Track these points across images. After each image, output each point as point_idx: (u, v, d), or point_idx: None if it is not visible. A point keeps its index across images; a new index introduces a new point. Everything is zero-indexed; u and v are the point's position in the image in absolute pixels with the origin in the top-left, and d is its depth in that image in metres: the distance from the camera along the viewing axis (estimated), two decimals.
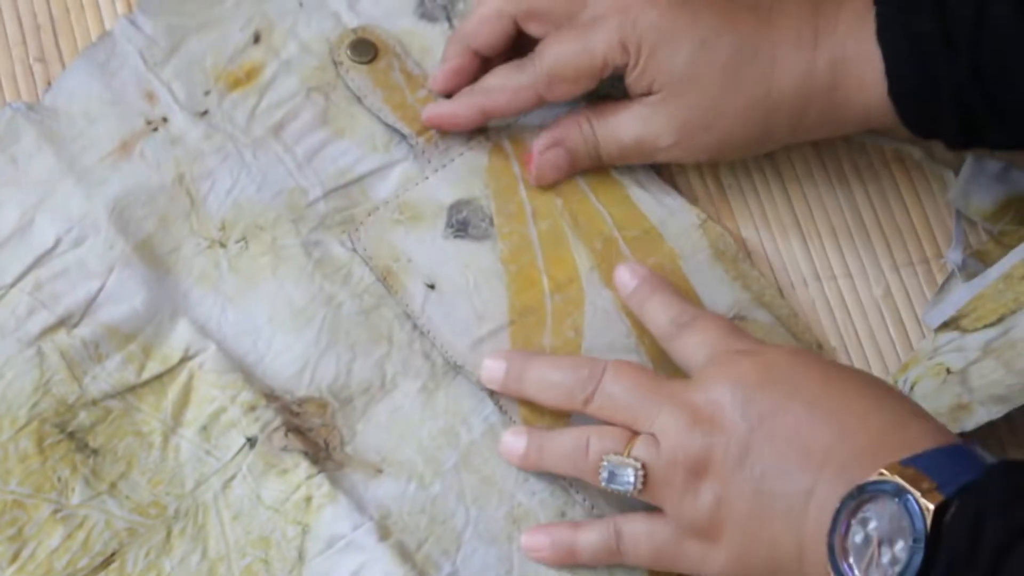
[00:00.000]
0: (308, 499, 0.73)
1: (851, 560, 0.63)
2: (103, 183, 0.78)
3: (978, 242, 0.81)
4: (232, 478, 0.73)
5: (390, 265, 0.79)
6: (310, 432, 0.75)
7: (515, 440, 0.74)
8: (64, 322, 0.75)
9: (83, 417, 0.74)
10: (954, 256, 0.80)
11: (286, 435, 0.74)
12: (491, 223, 0.80)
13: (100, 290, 0.76)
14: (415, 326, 0.77)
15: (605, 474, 0.70)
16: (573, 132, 0.80)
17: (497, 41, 0.81)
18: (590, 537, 0.72)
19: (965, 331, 0.77)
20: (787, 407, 0.67)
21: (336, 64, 0.83)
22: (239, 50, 0.82)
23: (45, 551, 0.71)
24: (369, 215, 0.80)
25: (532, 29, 0.81)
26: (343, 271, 0.78)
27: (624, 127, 0.79)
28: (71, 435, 0.73)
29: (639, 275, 0.77)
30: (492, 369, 0.76)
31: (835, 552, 0.63)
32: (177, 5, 0.83)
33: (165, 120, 0.80)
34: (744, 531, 0.67)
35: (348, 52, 0.83)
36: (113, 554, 0.72)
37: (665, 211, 0.81)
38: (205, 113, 0.81)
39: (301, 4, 0.84)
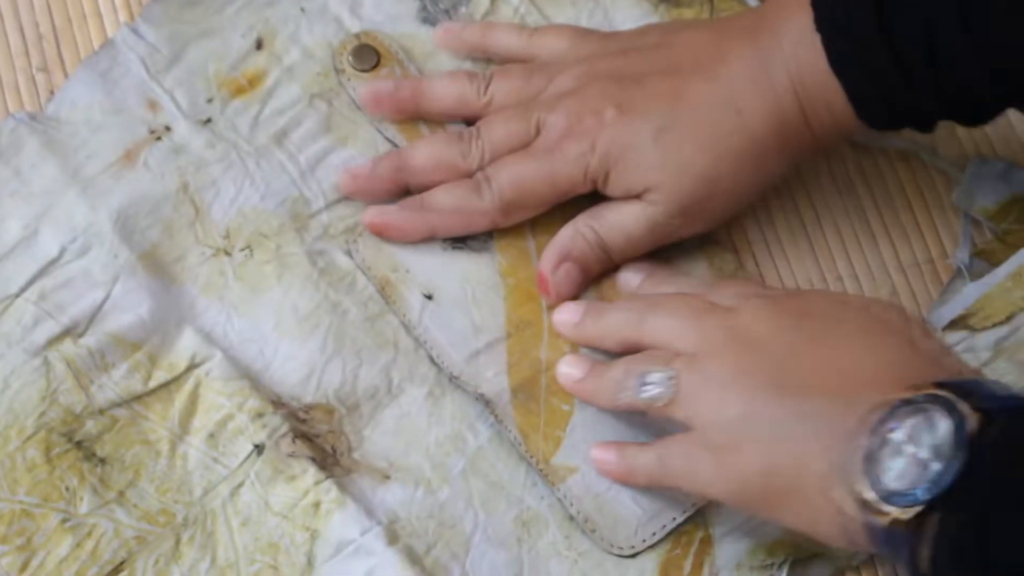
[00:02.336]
0: (316, 505, 0.73)
1: (886, 465, 0.62)
2: (107, 193, 0.78)
3: (983, 241, 0.81)
4: (240, 485, 0.73)
5: (388, 275, 0.79)
6: (317, 438, 0.75)
7: (573, 370, 0.76)
8: (70, 332, 0.75)
9: (90, 426, 0.74)
10: (961, 255, 0.80)
11: (293, 441, 0.74)
12: (490, 235, 0.80)
13: (105, 299, 0.76)
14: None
15: (639, 385, 0.72)
16: (578, 242, 0.78)
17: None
18: (644, 459, 0.73)
19: (974, 330, 0.77)
20: (828, 337, 0.69)
21: (338, 72, 0.83)
22: (241, 57, 0.82)
23: (54, 561, 0.71)
24: None
25: None
26: (348, 279, 0.78)
27: (627, 222, 0.78)
28: (78, 444, 0.73)
29: (645, 268, 0.78)
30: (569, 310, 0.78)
31: (870, 458, 0.63)
32: (179, 13, 0.83)
33: (168, 129, 0.80)
34: (768, 446, 0.67)
35: (350, 59, 0.83)
36: (122, 563, 0.72)
37: None
38: (208, 121, 0.81)
39: (303, 10, 0.84)
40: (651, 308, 0.74)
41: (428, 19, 0.85)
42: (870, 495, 0.62)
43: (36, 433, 0.73)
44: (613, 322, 0.76)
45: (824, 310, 0.71)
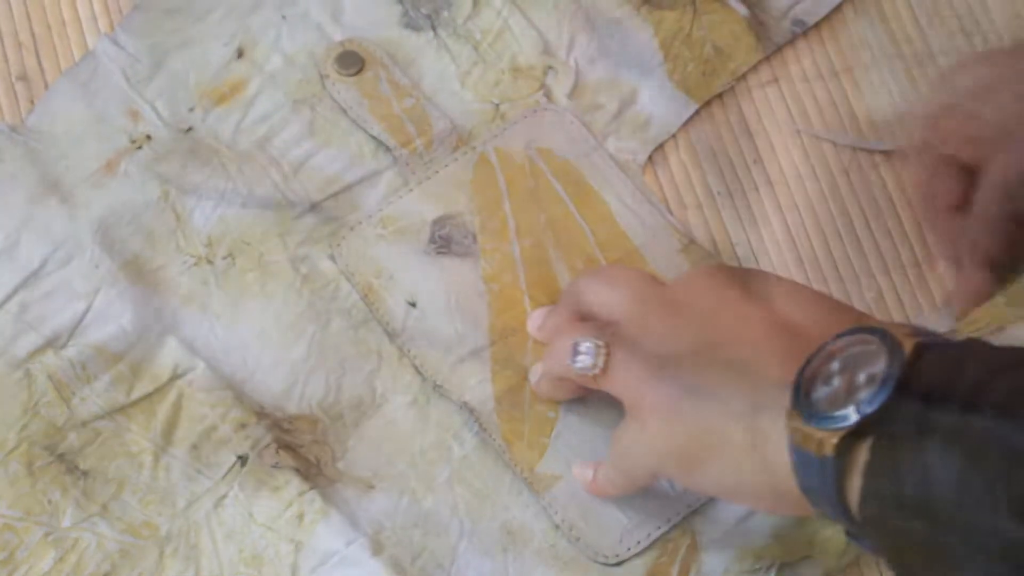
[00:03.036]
0: (300, 516, 0.72)
1: (816, 393, 0.61)
2: (87, 203, 0.78)
3: None
4: (224, 496, 0.73)
5: (371, 282, 0.78)
6: (301, 449, 0.74)
7: (533, 376, 0.77)
8: (51, 343, 0.75)
9: (73, 439, 0.74)
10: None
11: (277, 452, 0.73)
12: (474, 240, 0.79)
13: (87, 310, 0.76)
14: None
15: (572, 354, 0.71)
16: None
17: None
18: (603, 469, 0.74)
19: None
20: (758, 294, 0.69)
21: (323, 78, 0.82)
22: (222, 66, 0.82)
23: (37, 574, 0.71)
24: (352, 229, 0.79)
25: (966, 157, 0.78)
26: (331, 286, 0.78)
27: None
28: (61, 457, 0.73)
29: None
30: None
31: (800, 392, 0.61)
32: (159, 23, 0.83)
33: (149, 138, 0.80)
34: (690, 400, 0.67)
35: (335, 66, 0.82)
36: None
37: (648, 233, 0.80)
38: (189, 130, 0.81)
39: (284, 18, 0.83)
40: (589, 278, 0.74)
41: (410, 24, 0.84)
42: (797, 422, 0.61)
43: (18, 446, 0.73)
44: (560, 307, 0.76)
45: (755, 275, 0.71)
